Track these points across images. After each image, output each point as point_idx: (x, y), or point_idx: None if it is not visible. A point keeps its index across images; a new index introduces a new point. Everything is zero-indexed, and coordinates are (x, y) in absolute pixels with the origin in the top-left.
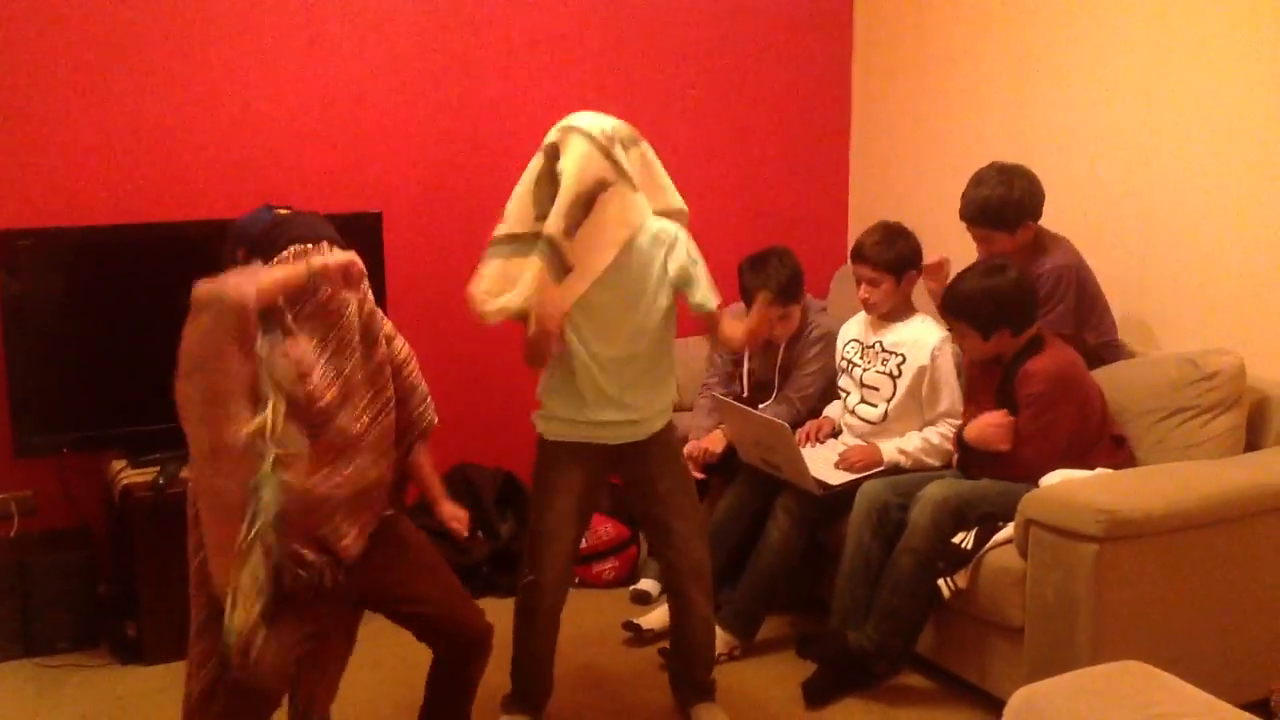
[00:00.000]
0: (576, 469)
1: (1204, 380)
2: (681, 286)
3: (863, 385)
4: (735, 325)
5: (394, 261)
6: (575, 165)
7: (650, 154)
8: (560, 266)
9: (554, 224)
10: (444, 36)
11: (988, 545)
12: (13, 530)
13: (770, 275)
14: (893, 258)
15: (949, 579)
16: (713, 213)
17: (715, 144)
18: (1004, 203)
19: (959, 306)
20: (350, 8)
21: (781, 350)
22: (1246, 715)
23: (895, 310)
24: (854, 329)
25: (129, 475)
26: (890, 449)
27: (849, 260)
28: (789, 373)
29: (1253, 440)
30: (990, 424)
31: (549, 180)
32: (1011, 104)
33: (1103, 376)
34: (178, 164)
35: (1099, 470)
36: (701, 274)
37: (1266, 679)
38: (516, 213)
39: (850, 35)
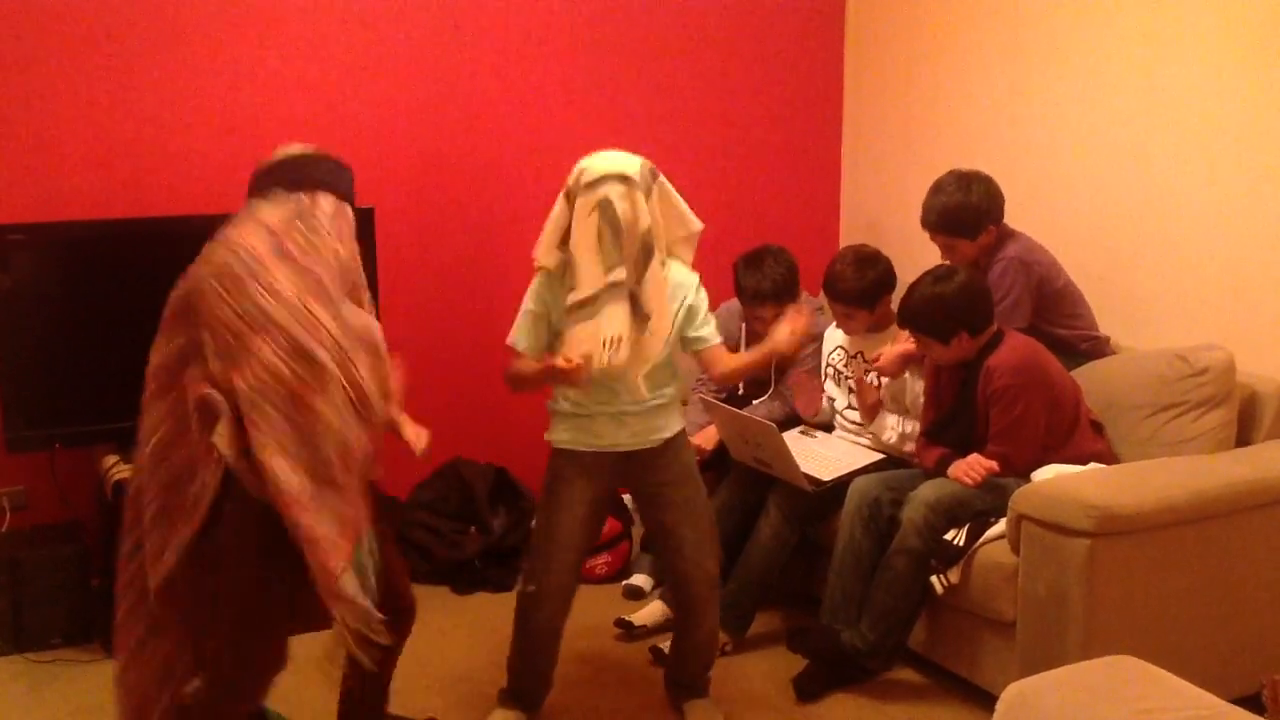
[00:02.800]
0: (586, 481)
1: (1194, 376)
2: (687, 327)
3: (850, 392)
4: (733, 358)
5: (385, 257)
6: (637, 215)
7: (666, 183)
8: (643, 317)
9: (629, 275)
10: (436, 33)
11: (979, 541)
12: (4, 525)
13: (766, 274)
14: (864, 290)
15: (941, 575)
16: (705, 212)
17: (707, 142)
18: (962, 209)
19: (913, 319)
20: (342, 4)
21: None
22: (1238, 709)
23: (876, 325)
24: (839, 336)
25: (121, 470)
26: (890, 428)
27: (823, 293)
28: (783, 370)
29: (1243, 435)
30: (973, 466)
31: (611, 232)
32: (1002, 103)
33: (1092, 372)
34: (170, 159)
35: (1091, 466)
36: (707, 313)
37: (1258, 673)
38: (588, 275)
39: (842, 34)
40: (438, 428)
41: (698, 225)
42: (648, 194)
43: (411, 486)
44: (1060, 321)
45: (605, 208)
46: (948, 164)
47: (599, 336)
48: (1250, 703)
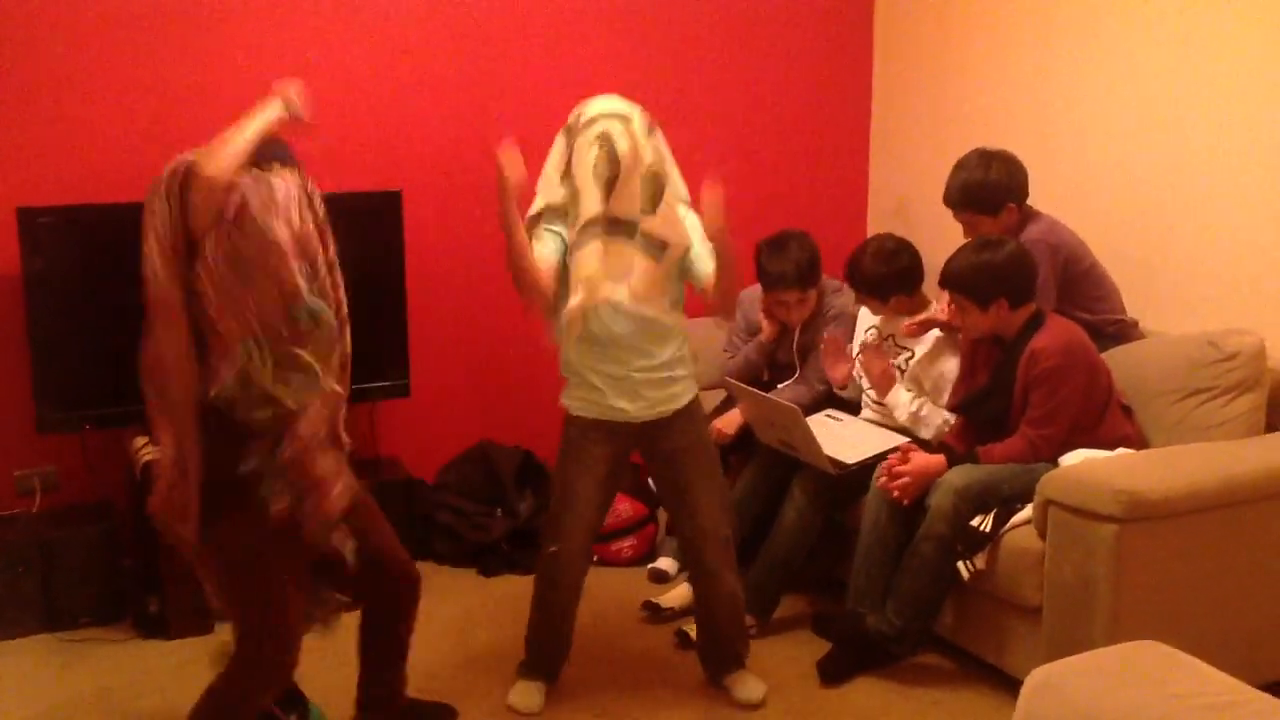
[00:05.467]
0: (600, 445)
1: (1224, 361)
2: (686, 267)
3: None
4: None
5: (414, 240)
6: (637, 150)
7: (663, 143)
8: (659, 247)
9: (631, 209)
10: (464, 14)
11: (1006, 526)
12: (35, 505)
13: (789, 258)
14: (882, 279)
15: (968, 561)
16: (733, 195)
17: (735, 125)
18: (982, 185)
19: (954, 279)
20: None
21: (797, 333)
22: (1266, 695)
23: (910, 309)
24: (871, 315)
25: (150, 452)
26: (904, 406)
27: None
28: (807, 355)
29: (1273, 421)
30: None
31: (609, 165)
32: (1031, 85)
33: (1121, 356)
34: (198, 142)
35: (1120, 450)
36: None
37: None
38: (590, 200)
39: (871, 17)
40: (464, 411)
41: (683, 193)
42: (649, 134)
43: (438, 469)
44: (1085, 305)
45: (604, 141)
46: (976, 146)
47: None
48: (1278, 689)
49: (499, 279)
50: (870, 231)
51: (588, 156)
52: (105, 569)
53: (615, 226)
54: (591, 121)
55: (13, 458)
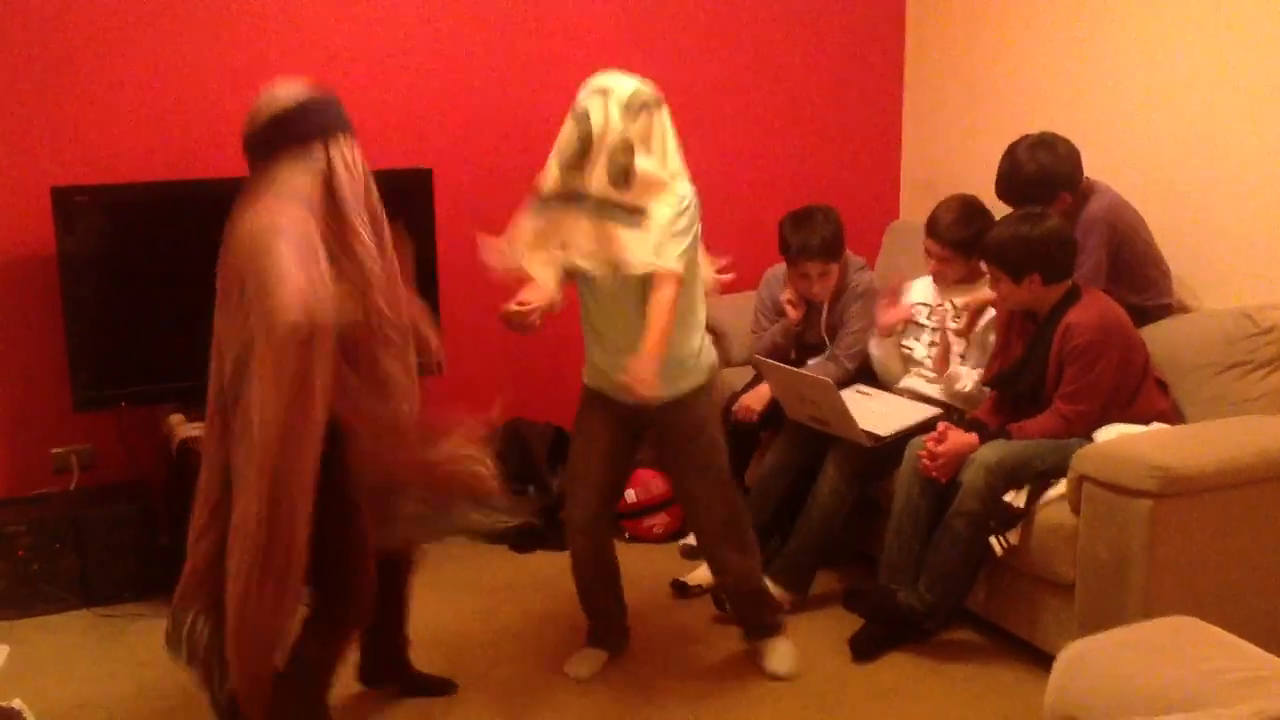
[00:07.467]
0: (606, 415)
1: (1260, 334)
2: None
3: (932, 345)
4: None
5: (444, 218)
6: (607, 125)
7: (665, 121)
8: (634, 217)
9: (601, 184)
10: None
11: (1039, 502)
12: (72, 483)
13: (815, 230)
14: (966, 238)
15: (1000, 536)
16: (765, 174)
17: (767, 104)
18: (1038, 178)
19: (991, 250)
20: None
21: (825, 310)
22: None
23: (965, 277)
24: (922, 291)
25: (186, 429)
26: (967, 376)
27: (924, 232)
28: (835, 332)
29: None
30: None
31: (580, 142)
32: (1065, 61)
33: (1157, 330)
34: (233, 121)
35: (1155, 425)
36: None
37: None
38: (549, 176)
39: None
40: (496, 388)
41: (664, 175)
42: (631, 112)
43: None
44: (1136, 287)
45: (580, 119)
46: (1010, 124)
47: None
48: None
49: None
50: (903, 211)
51: (565, 132)
52: (142, 546)
53: (575, 200)
54: (578, 99)
55: (49, 436)
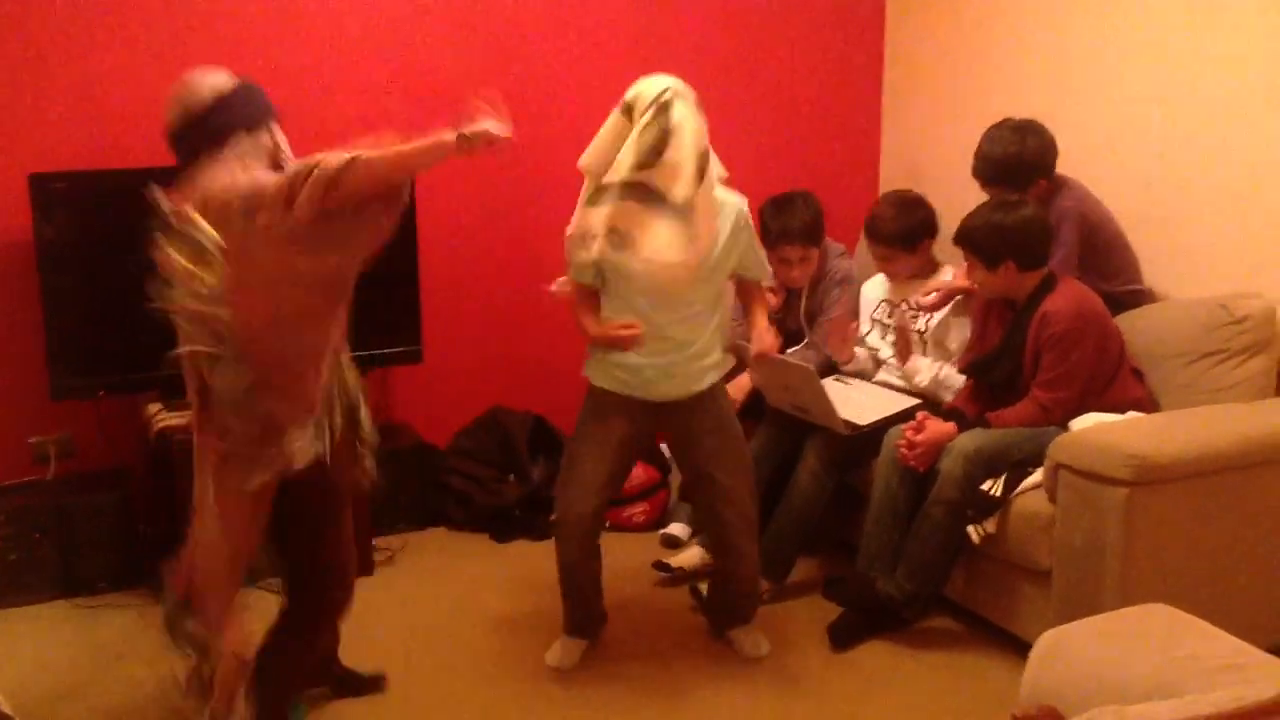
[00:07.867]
0: (618, 419)
1: (1234, 324)
2: (741, 267)
3: (894, 345)
4: (757, 311)
5: (425, 205)
6: (695, 122)
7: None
8: (692, 226)
9: (687, 186)
10: None
11: (1016, 490)
12: (50, 472)
13: (796, 214)
14: (903, 231)
15: (978, 525)
16: (745, 158)
17: (748, 88)
18: (1017, 161)
19: (966, 237)
20: None
21: (804, 297)
22: (1273, 658)
23: (919, 271)
24: (879, 289)
25: (165, 418)
26: (926, 371)
27: (864, 236)
28: (814, 319)
29: None
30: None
31: (660, 133)
32: (1046, 48)
33: (1131, 320)
34: None
35: (1131, 413)
36: (758, 251)
37: None
38: (620, 165)
39: None
40: (478, 376)
41: (720, 170)
42: (701, 112)
43: (451, 434)
44: (1104, 274)
45: (661, 111)
46: (990, 109)
47: (592, 224)
48: None
49: (511, 246)
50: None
51: (642, 127)
52: (121, 535)
53: (639, 193)
54: (654, 97)
55: (28, 425)
